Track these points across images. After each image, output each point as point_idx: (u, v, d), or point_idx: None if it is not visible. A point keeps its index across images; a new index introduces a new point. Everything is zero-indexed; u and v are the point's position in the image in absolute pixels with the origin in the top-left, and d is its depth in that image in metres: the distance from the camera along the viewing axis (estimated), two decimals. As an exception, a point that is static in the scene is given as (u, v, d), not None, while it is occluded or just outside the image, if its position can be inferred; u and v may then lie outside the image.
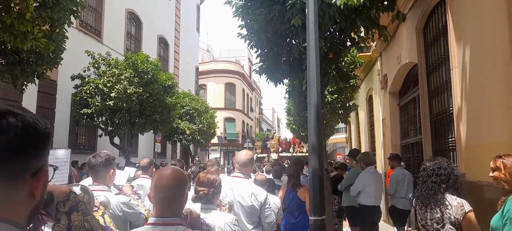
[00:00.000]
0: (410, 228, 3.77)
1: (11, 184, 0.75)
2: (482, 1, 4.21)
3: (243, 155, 3.40)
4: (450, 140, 5.39)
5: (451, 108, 5.21)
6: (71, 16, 6.57)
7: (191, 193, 2.50)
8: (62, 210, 1.73)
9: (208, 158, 22.66)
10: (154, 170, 5.96)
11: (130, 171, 4.48)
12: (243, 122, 36.46)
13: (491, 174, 2.65)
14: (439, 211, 2.77)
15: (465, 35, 4.54)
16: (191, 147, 19.69)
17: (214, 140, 24.92)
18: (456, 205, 2.74)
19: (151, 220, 1.75)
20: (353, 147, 14.02)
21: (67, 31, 6.65)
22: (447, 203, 2.76)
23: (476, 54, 4.27)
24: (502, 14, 3.59)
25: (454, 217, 2.71)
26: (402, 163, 6.74)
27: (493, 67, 3.88)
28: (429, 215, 2.85)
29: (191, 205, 2.13)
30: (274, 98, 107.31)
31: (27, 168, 0.77)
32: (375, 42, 9.10)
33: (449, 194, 2.80)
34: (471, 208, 2.73)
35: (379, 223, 6.09)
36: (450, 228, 2.73)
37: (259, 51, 5.49)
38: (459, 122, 4.74)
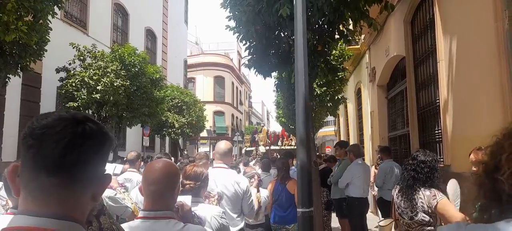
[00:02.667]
0: (385, 219, 3.85)
1: (85, 187, 0.81)
2: (468, -6, 4.24)
3: (222, 145, 3.43)
4: (437, 132, 5.45)
5: (437, 101, 5.27)
6: (55, 7, 6.42)
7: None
8: (93, 213, 1.73)
9: (197, 152, 22.58)
10: (141, 163, 5.90)
11: (116, 166, 4.42)
12: (232, 115, 36.39)
13: (474, 168, 2.68)
14: (413, 200, 2.89)
15: (452, 28, 4.57)
16: (180, 140, 19.57)
17: (203, 134, 24.81)
18: (428, 195, 2.87)
19: (142, 213, 1.72)
20: (342, 139, 14.11)
21: (50, 22, 6.50)
22: (420, 194, 2.88)
23: (463, 47, 4.31)
24: (488, 7, 3.62)
25: (427, 206, 2.83)
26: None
27: (478, 60, 3.92)
28: (405, 204, 2.98)
29: (182, 198, 2.11)
30: (264, 92, 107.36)
31: (97, 171, 0.84)
32: (363, 35, 9.13)
33: (423, 187, 2.91)
34: (444, 197, 2.85)
35: (366, 215, 6.15)
36: (423, 216, 2.85)
37: (248, 43, 5.45)
38: (446, 114, 4.79)
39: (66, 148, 0.77)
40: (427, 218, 2.86)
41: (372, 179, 6.93)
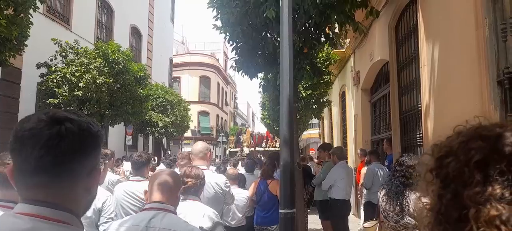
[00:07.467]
0: (371, 221, 3.87)
1: (73, 182, 0.86)
2: (451, 1, 4.32)
3: (200, 146, 3.46)
4: (418, 135, 5.54)
5: (419, 105, 5.36)
6: (37, 1, 6.27)
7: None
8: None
9: (181, 151, 22.37)
10: (113, 161, 5.74)
11: None
12: (217, 115, 36.22)
13: None
14: (399, 205, 2.90)
15: (435, 34, 4.66)
16: (164, 140, 19.35)
17: (188, 134, 24.61)
18: (414, 198, 2.86)
19: (148, 206, 1.91)
20: (326, 142, 14.20)
21: (32, 17, 6.35)
22: (409, 199, 2.89)
23: (444, 53, 4.39)
24: (470, 14, 3.70)
25: (413, 209, 2.84)
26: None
27: (460, 66, 4.00)
28: (391, 208, 2.98)
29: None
30: (249, 93, 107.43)
31: (83, 167, 0.87)
32: (348, 39, 9.23)
33: (410, 190, 2.92)
34: None
35: (348, 217, 6.20)
36: (409, 220, 2.86)
37: (234, 44, 5.43)
38: (427, 119, 4.88)
39: (43, 150, 0.80)
40: (413, 222, 2.87)
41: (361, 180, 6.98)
